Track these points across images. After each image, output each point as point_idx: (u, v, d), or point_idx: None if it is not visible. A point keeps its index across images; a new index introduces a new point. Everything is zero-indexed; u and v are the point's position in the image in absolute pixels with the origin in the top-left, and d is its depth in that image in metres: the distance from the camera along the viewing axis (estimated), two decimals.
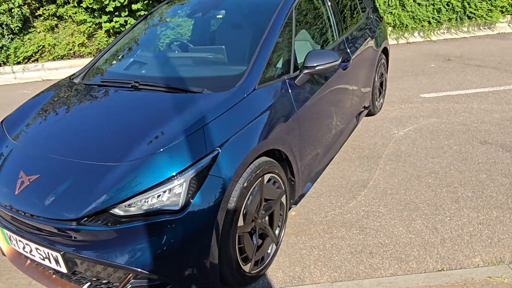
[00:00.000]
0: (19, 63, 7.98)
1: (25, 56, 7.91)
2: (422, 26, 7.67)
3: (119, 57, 2.82)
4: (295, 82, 2.41)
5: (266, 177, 2.12)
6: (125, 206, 1.65)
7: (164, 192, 1.67)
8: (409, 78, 5.56)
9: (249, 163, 1.95)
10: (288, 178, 2.45)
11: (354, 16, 3.63)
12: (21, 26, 7.94)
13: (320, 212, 2.79)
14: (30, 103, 2.48)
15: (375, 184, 3.07)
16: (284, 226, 2.41)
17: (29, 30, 8.16)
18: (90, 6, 7.66)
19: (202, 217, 1.70)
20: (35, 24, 8.21)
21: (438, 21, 7.67)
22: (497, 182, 2.95)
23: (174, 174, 1.69)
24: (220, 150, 1.80)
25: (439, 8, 7.65)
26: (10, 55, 7.88)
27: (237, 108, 1.99)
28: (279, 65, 2.40)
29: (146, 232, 1.65)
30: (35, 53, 8.01)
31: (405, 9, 7.68)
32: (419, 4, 7.69)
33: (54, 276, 1.96)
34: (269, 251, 2.29)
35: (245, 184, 1.91)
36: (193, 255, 1.73)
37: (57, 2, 7.93)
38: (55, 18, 8.14)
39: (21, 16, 7.79)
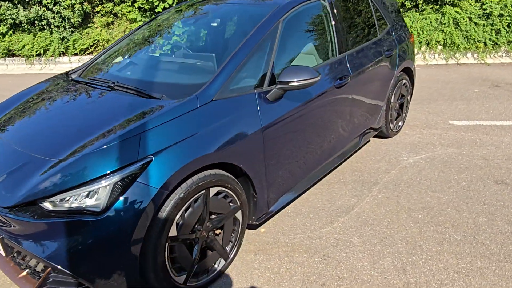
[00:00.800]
0: (76, 54, 8.65)
1: (81, 48, 8.56)
2: (476, 47, 7.08)
3: (117, 58, 2.93)
4: (267, 96, 2.34)
5: (214, 190, 2.07)
6: (52, 201, 1.71)
7: (89, 192, 1.71)
8: (445, 102, 5.15)
9: (189, 174, 1.92)
10: (251, 194, 2.38)
11: (367, 32, 3.44)
12: (81, 21, 8.61)
13: (290, 232, 2.67)
14: (21, 93, 2.67)
15: (359, 212, 2.87)
16: (238, 242, 2.34)
17: (88, 25, 8.82)
18: (142, 6, 8.11)
19: (121, 222, 1.71)
20: (94, 20, 8.86)
21: (496, 43, 7.03)
22: (496, 228, 2.62)
23: (99, 176, 1.71)
24: (153, 158, 1.80)
25: (499, 29, 7.01)
26: (69, 46, 8.58)
27: (185, 117, 1.98)
28: (252, 77, 2.34)
29: (66, 229, 1.69)
30: (91, 46, 8.64)
31: (459, 27, 7.14)
32: (475, 23, 7.11)
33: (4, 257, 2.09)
34: (216, 265, 2.24)
35: (182, 195, 1.89)
36: (110, 259, 1.74)
37: (114, 0, 8.48)
38: (111, 16, 8.71)
39: (81, 11, 8.45)
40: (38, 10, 8.41)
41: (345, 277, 2.26)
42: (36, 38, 8.68)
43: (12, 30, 8.91)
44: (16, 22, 8.64)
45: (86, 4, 8.53)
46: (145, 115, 1.97)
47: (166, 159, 1.83)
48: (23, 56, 8.77)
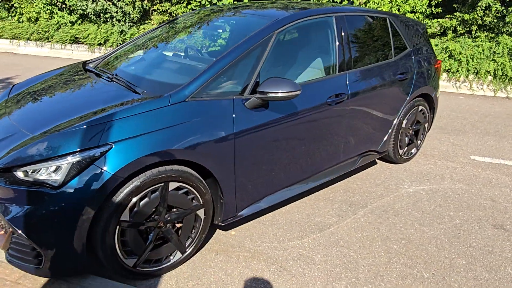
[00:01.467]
0: None
1: None
2: None
3: (129, 53, 3.18)
4: (245, 104, 2.42)
5: (174, 184, 2.20)
6: (25, 171, 1.93)
7: (51, 168, 1.91)
8: (474, 135, 4.85)
9: (149, 165, 2.06)
10: (218, 196, 2.47)
11: (379, 54, 3.38)
12: (139, 17, 9.24)
13: (258, 240, 2.72)
14: (39, 76, 3.00)
15: (333, 232, 2.84)
16: (197, 239, 2.44)
17: (146, 21, 9.44)
18: (194, 8, 8.52)
19: (73, 199, 1.89)
20: (152, 17, 9.47)
21: None
22: (472, 273, 2.46)
23: (61, 154, 1.91)
24: (113, 146, 1.96)
25: None
26: (126, 39, 9.23)
27: (153, 113, 2.13)
28: (234, 84, 2.44)
29: (28, 197, 1.91)
30: None
31: None
32: None
33: None
34: (171, 257, 2.36)
35: (138, 183, 2.04)
36: (60, 232, 1.92)
37: (172, 0, 9.00)
38: (167, 14, 9.25)
39: (141, 8, 9.08)
40: (103, 4, 9.17)
41: None
42: (100, 29, 9.45)
43: (80, 20, 9.80)
44: (85, 13, 9.48)
45: (146, 2, 9.15)
46: (117, 107, 2.15)
47: (125, 148, 1.98)
48: (86, 44, 9.60)
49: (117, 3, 9.16)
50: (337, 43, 3.01)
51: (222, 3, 8.03)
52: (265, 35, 2.59)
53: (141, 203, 2.11)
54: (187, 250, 2.42)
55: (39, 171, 1.92)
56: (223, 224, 2.56)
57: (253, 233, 2.79)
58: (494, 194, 3.45)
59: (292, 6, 3.15)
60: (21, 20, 10.29)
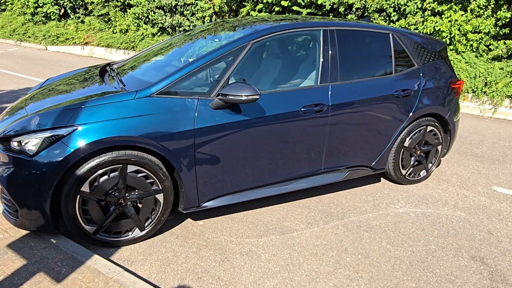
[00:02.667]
0: None
1: None
2: None
3: (143, 58, 3.66)
4: (209, 104, 2.68)
5: (132, 167, 2.53)
6: (18, 141, 2.43)
7: (31, 139, 2.38)
8: (508, 165, 4.39)
9: (109, 147, 2.43)
10: (180, 185, 2.75)
11: (374, 68, 3.36)
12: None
13: (219, 232, 2.92)
14: (69, 72, 3.62)
15: (294, 237, 2.90)
16: (156, 220, 2.73)
17: None
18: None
19: (42, 167, 2.33)
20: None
21: None
22: None
23: (39, 129, 2.38)
24: (78, 128, 2.38)
25: None
26: None
27: (118, 104, 2.50)
28: (201, 85, 2.72)
29: (13, 162, 2.40)
30: None
31: None
32: None
33: None
34: (130, 232, 2.69)
35: (98, 161, 2.42)
36: (31, 194, 2.37)
37: (238, 17, 9.62)
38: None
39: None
40: (178, 18, 10.18)
41: (224, 279, 2.43)
42: None
43: (160, 32, 10.97)
44: (163, 26, 10.61)
45: (214, 17, 9.92)
46: (91, 97, 2.57)
47: (88, 131, 2.38)
48: None
49: (189, 18, 10.09)
50: (322, 56, 3.11)
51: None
52: (239, 44, 2.83)
53: (101, 179, 2.48)
54: (146, 228, 2.73)
55: (28, 142, 2.40)
56: (184, 212, 2.82)
57: (218, 226, 3.00)
58: (496, 227, 3.15)
59: (293, 20, 3.32)
60: (114, 32, 11.88)
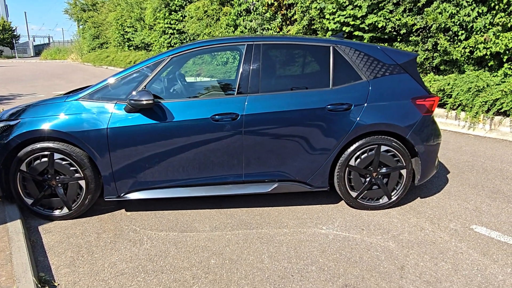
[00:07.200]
0: None
1: None
2: None
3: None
4: (123, 108, 3.17)
5: (58, 155, 3.18)
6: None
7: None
8: (500, 203, 3.47)
9: (38, 138, 3.14)
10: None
11: (306, 82, 3.29)
12: None
13: (133, 222, 3.28)
14: None
15: (188, 235, 3.05)
16: (80, 202, 3.27)
17: None
18: None
19: None
20: None
21: None
22: None
23: (2, 120, 3.24)
24: (20, 121, 3.16)
25: None
26: None
27: (51, 106, 3.21)
28: (119, 92, 3.23)
29: None
30: None
31: None
32: None
33: None
34: (60, 209, 3.31)
35: (30, 149, 3.15)
36: None
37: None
38: None
39: None
40: None
41: (94, 256, 2.79)
42: None
43: None
44: None
45: None
46: (45, 100, 3.36)
47: (26, 123, 3.14)
48: None
49: None
50: (242, 68, 3.26)
51: None
52: (159, 58, 3.27)
53: (35, 162, 3.20)
54: (72, 208, 3.32)
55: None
56: (106, 199, 3.31)
57: (138, 218, 3.37)
58: (418, 264, 2.65)
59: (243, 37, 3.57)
60: None
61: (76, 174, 3.24)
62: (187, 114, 3.18)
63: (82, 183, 3.26)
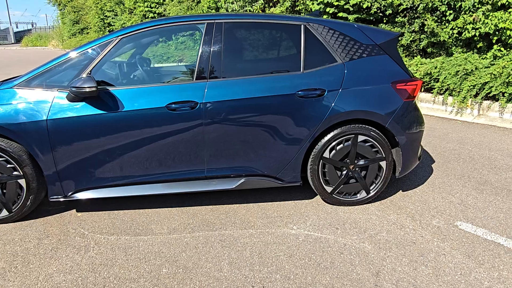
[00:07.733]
0: None
1: None
2: None
3: None
4: (66, 97, 2.78)
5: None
6: None
7: None
8: (487, 195, 3.20)
9: None
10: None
11: (273, 65, 2.93)
12: None
13: (82, 224, 2.93)
14: None
15: (142, 239, 2.72)
16: (22, 204, 2.89)
17: None
18: None
19: None
20: None
21: None
22: None
23: None
24: None
25: None
26: None
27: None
28: (61, 79, 2.83)
29: None
30: None
31: None
32: None
33: None
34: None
35: None
36: None
37: None
38: None
39: None
40: None
41: (30, 266, 2.44)
42: None
43: None
44: None
45: None
46: None
47: None
48: None
49: None
50: (201, 51, 2.88)
51: None
52: (107, 39, 2.86)
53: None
54: (13, 210, 2.94)
55: None
56: (51, 199, 2.93)
57: (88, 219, 3.02)
58: (395, 269, 2.36)
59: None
60: None
61: (15, 172, 2.85)
62: (139, 103, 2.80)
63: (22, 182, 2.88)
